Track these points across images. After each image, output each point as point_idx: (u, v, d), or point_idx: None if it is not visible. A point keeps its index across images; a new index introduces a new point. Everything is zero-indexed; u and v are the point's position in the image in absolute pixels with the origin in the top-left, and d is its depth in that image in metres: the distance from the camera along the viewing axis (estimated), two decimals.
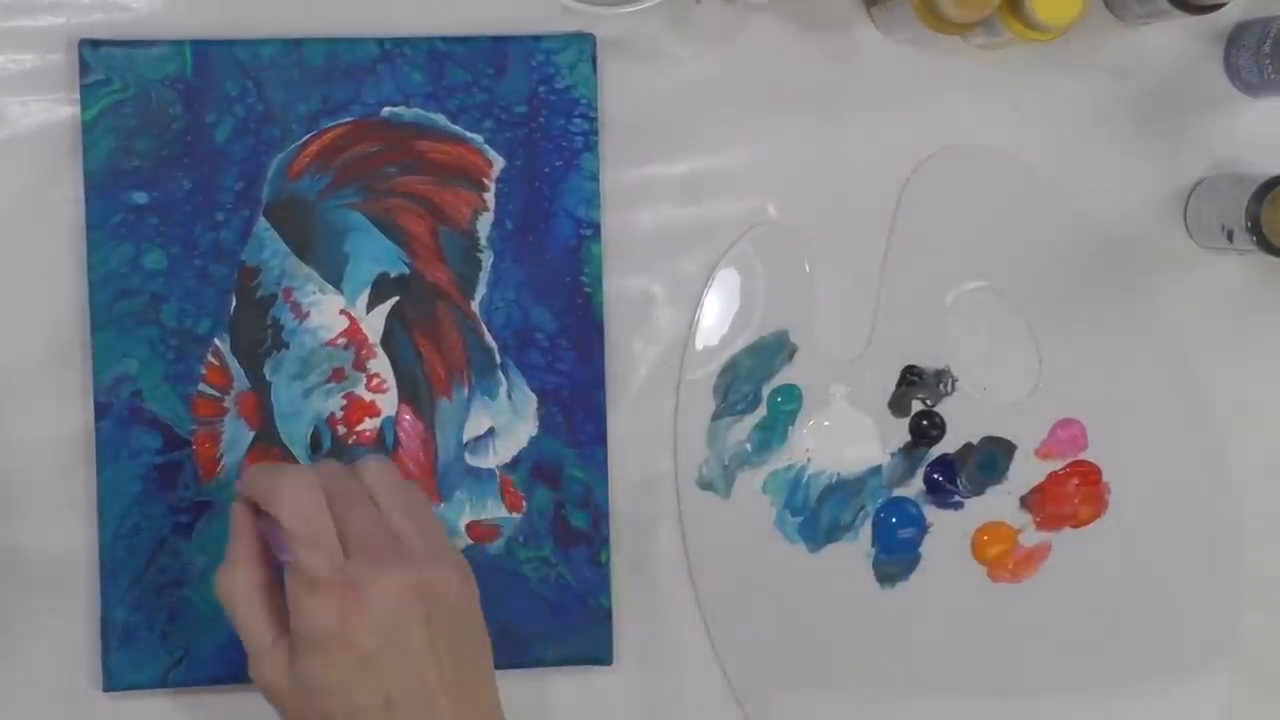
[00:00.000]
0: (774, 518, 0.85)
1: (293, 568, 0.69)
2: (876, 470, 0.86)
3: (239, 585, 0.71)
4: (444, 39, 0.82)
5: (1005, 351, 0.87)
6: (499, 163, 0.82)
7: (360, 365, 0.82)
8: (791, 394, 0.85)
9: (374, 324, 0.82)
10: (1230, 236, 0.83)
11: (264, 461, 0.81)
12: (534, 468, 0.83)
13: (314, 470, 0.71)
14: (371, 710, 0.68)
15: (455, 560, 0.72)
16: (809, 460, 0.85)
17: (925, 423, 0.86)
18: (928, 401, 0.86)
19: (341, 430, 0.82)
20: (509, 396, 0.83)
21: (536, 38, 0.82)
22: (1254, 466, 0.88)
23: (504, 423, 0.83)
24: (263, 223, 0.81)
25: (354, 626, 0.67)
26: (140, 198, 0.80)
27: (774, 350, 0.85)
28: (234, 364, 0.81)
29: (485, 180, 0.82)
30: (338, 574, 0.68)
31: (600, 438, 0.83)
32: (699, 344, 0.85)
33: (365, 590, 0.68)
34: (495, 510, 0.83)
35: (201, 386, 0.81)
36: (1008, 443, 0.87)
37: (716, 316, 0.85)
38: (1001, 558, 0.87)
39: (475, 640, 0.71)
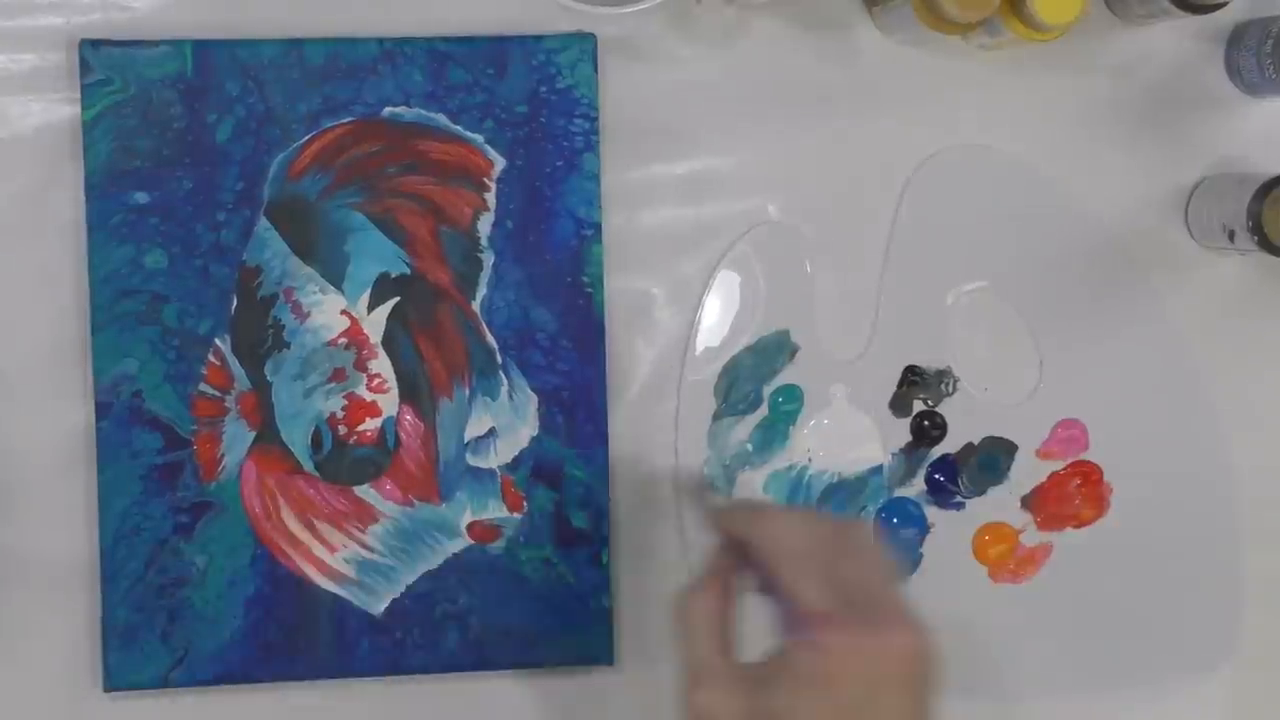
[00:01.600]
0: None
1: (789, 604, 0.67)
2: (877, 470, 0.86)
3: (701, 608, 0.69)
4: (444, 39, 0.82)
5: (1006, 351, 0.87)
6: (500, 163, 0.82)
7: (361, 365, 0.82)
8: (792, 394, 0.85)
9: (375, 324, 0.82)
10: (1231, 236, 0.83)
11: (267, 460, 0.81)
12: (535, 468, 0.83)
13: (807, 515, 0.71)
14: None
15: (933, 637, 0.69)
16: (810, 460, 0.85)
17: (926, 423, 0.86)
18: (929, 401, 0.86)
19: (342, 430, 0.82)
20: (510, 397, 0.83)
21: (537, 37, 0.82)
22: (1255, 466, 0.88)
23: (505, 423, 0.83)
24: (264, 222, 0.81)
25: (846, 671, 0.65)
26: (141, 198, 0.80)
27: (775, 350, 0.85)
28: (235, 364, 0.81)
29: (486, 180, 0.82)
30: (842, 614, 0.66)
31: (601, 438, 0.83)
32: (700, 344, 0.85)
33: (868, 639, 0.65)
34: (496, 510, 0.83)
35: (202, 386, 0.81)
36: (1009, 443, 0.87)
37: (717, 317, 0.85)
38: (1003, 558, 0.87)
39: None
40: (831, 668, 0.65)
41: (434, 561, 0.83)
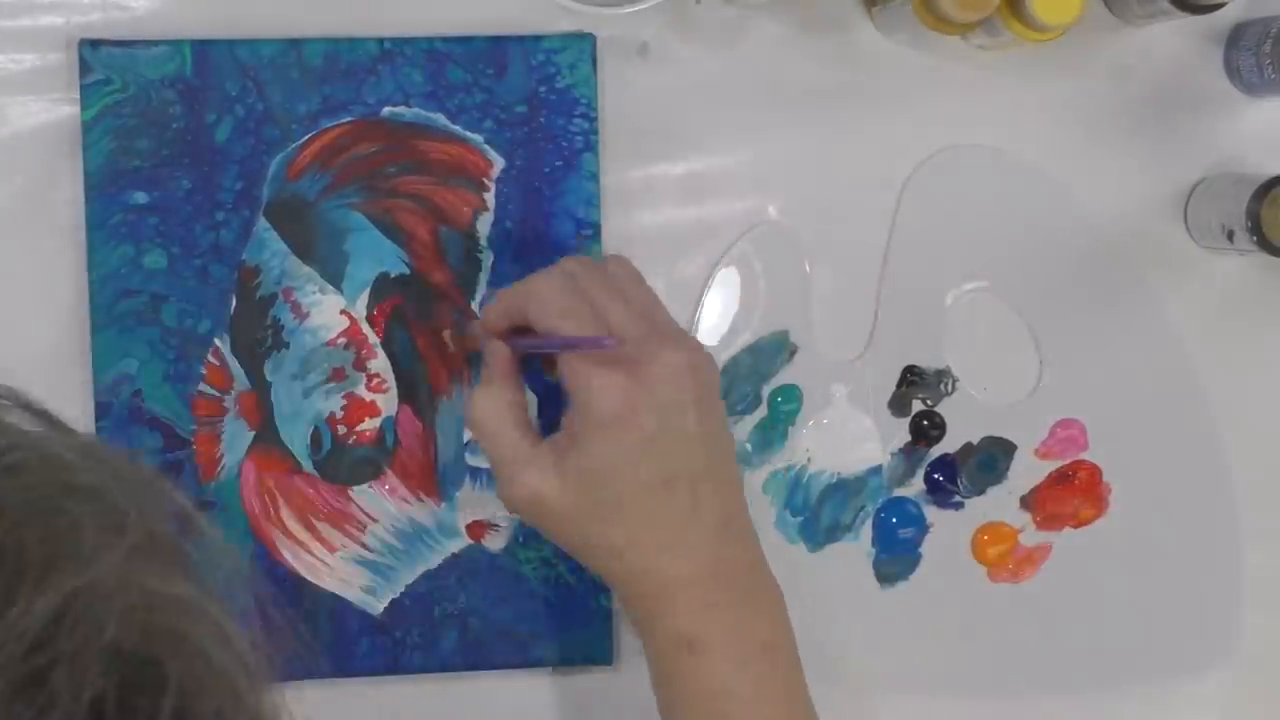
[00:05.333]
0: (774, 518, 0.85)
1: (571, 352, 0.69)
2: (877, 470, 0.86)
3: (493, 403, 0.73)
4: (444, 39, 0.82)
5: (1005, 351, 0.87)
6: (499, 163, 0.82)
7: (360, 365, 0.82)
8: (792, 394, 0.85)
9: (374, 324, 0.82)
10: (1230, 236, 0.83)
11: (267, 460, 0.81)
12: None
13: (559, 265, 0.73)
14: (649, 490, 0.68)
15: (705, 348, 0.73)
16: (809, 460, 0.85)
17: (925, 422, 0.86)
18: (928, 401, 0.86)
19: (342, 430, 0.82)
20: None
21: (536, 38, 0.82)
22: (1254, 466, 0.88)
23: None
24: (263, 223, 0.81)
25: (638, 404, 0.68)
26: (140, 198, 0.80)
27: (774, 350, 0.85)
28: (234, 364, 0.81)
29: (485, 180, 0.82)
30: (620, 350, 0.68)
31: None
32: None
33: (648, 367, 0.68)
34: (496, 510, 0.83)
35: (202, 386, 0.81)
36: (1008, 442, 0.87)
37: (717, 316, 0.85)
38: (1002, 558, 0.87)
39: (726, 428, 0.72)
40: (624, 403, 0.68)
41: (433, 561, 0.83)
